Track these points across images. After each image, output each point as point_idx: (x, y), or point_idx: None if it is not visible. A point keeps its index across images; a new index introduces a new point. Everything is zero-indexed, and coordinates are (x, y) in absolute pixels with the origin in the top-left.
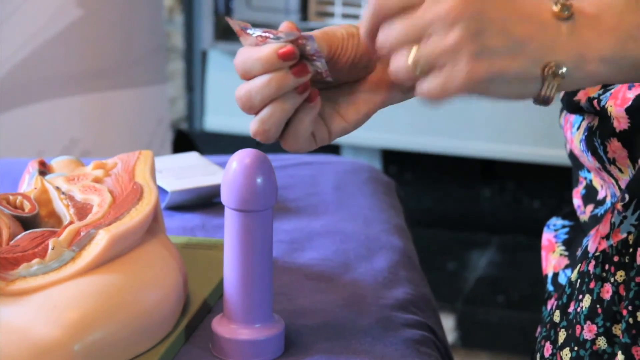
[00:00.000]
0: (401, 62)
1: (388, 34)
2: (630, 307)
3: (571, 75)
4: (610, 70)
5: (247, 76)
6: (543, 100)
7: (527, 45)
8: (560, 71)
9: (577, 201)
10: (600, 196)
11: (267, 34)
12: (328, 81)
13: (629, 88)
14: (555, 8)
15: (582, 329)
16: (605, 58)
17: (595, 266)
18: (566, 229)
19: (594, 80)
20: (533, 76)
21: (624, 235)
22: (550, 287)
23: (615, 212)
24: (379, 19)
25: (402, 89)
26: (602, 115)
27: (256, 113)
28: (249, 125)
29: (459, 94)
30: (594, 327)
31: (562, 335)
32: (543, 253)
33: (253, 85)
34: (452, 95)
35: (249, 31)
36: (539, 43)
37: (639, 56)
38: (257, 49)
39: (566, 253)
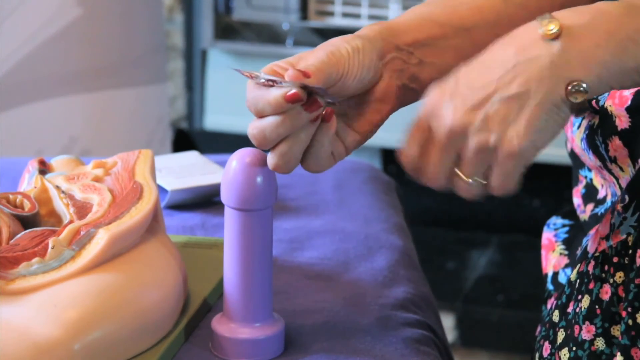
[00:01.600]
0: (463, 186)
1: (432, 172)
2: (629, 309)
3: (589, 87)
4: (615, 75)
5: (259, 115)
6: (579, 112)
7: (529, 87)
8: (582, 88)
9: (577, 200)
10: (600, 195)
11: (273, 81)
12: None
13: None
14: (541, 31)
15: (581, 329)
16: (607, 63)
17: (595, 267)
18: (566, 228)
19: (607, 85)
20: (559, 101)
21: (624, 236)
22: (550, 286)
23: (615, 213)
24: (417, 167)
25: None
26: (603, 113)
27: (271, 146)
28: (249, 123)
29: (522, 163)
30: (593, 328)
31: (560, 335)
32: (543, 252)
33: (267, 124)
34: (518, 173)
35: (256, 74)
36: (535, 75)
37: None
38: (266, 90)
39: (566, 252)
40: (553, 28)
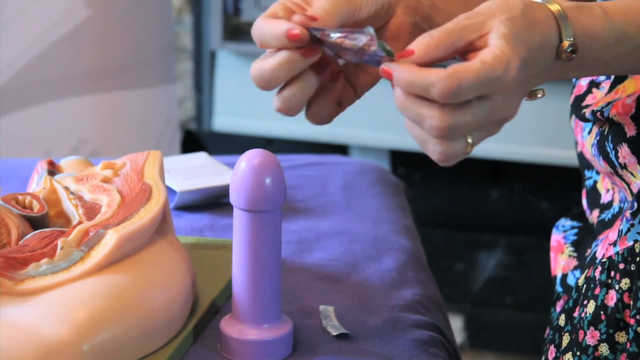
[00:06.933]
0: (460, 149)
1: (460, 122)
2: (638, 317)
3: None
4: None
5: (263, 46)
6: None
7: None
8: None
9: (586, 202)
10: (604, 200)
11: (343, 36)
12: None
13: (628, 96)
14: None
15: (585, 334)
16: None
17: (601, 272)
18: (575, 230)
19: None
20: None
21: (631, 243)
22: (559, 289)
23: (624, 219)
24: (454, 97)
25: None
26: (613, 121)
27: (272, 89)
28: (258, 125)
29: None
30: (597, 334)
31: (565, 339)
32: (552, 254)
33: (266, 66)
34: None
35: (328, 33)
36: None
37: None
38: (272, 22)
39: (575, 254)
40: (570, 49)
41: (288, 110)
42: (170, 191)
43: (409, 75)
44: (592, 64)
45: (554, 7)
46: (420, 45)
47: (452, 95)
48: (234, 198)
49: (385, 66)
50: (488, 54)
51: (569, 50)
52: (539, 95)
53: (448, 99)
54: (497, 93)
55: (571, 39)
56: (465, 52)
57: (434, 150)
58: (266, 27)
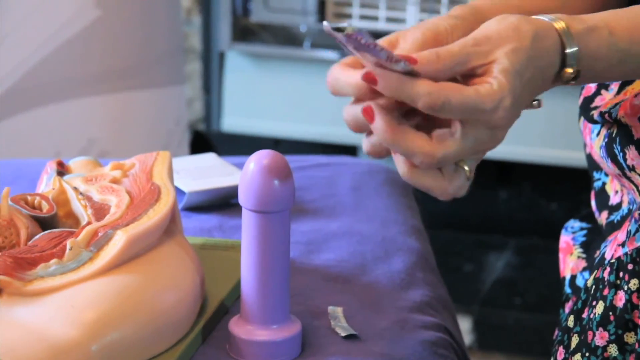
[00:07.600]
0: (462, 181)
1: (449, 152)
2: None
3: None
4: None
5: (338, 94)
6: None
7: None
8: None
9: (595, 203)
10: (613, 202)
11: (370, 45)
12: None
13: (635, 96)
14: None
15: (594, 335)
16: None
17: (610, 273)
18: (584, 232)
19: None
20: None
21: (639, 243)
22: (567, 290)
23: (633, 220)
24: (438, 108)
25: None
26: (621, 123)
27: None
28: (267, 125)
29: None
30: (606, 334)
31: (574, 340)
32: (561, 255)
33: (357, 110)
34: None
35: (354, 31)
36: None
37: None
38: (347, 72)
39: (584, 255)
40: (573, 76)
41: (377, 154)
42: (179, 192)
43: (398, 82)
44: (591, 80)
45: (559, 25)
46: (423, 58)
47: (438, 105)
48: (242, 199)
49: (371, 71)
50: (485, 86)
51: (571, 77)
52: (535, 104)
53: (432, 110)
54: (483, 125)
55: (574, 66)
56: (466, 75)
57: (441, 195)
58: (341, 75)
